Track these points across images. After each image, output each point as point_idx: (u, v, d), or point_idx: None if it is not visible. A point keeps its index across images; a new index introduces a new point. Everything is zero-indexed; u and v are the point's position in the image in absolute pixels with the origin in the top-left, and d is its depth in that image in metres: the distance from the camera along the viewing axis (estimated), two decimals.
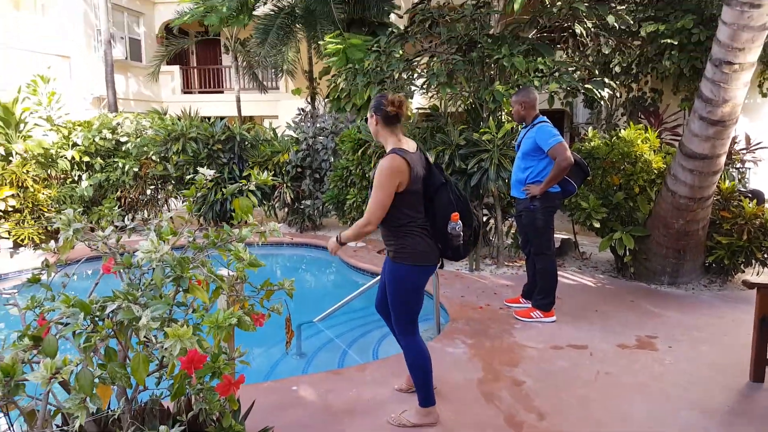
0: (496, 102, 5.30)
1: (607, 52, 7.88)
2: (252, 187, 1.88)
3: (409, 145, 2.78)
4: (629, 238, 5.62)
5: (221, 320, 1.30)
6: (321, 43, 8.57)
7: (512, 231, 6.78)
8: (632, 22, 6.17)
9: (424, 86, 5.65)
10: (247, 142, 8.35)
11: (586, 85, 5.27)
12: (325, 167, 8.13)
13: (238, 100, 14.01)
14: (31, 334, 1.24)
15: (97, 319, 1.27)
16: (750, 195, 6.15)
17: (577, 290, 5.57)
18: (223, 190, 1.96)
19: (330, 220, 8.98)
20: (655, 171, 5.84)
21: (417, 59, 5.85)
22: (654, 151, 5.91)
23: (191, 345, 1.19)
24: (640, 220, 5.85)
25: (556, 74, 5.10)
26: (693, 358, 3.89)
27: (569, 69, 5.26)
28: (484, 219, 6.67)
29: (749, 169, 8.08)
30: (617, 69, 7.88)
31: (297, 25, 10.41)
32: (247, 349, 1.74)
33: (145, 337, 1.24)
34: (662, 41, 7.41)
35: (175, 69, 16.61)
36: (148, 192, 8.49)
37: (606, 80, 5.74)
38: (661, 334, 4.35)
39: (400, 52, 5.60)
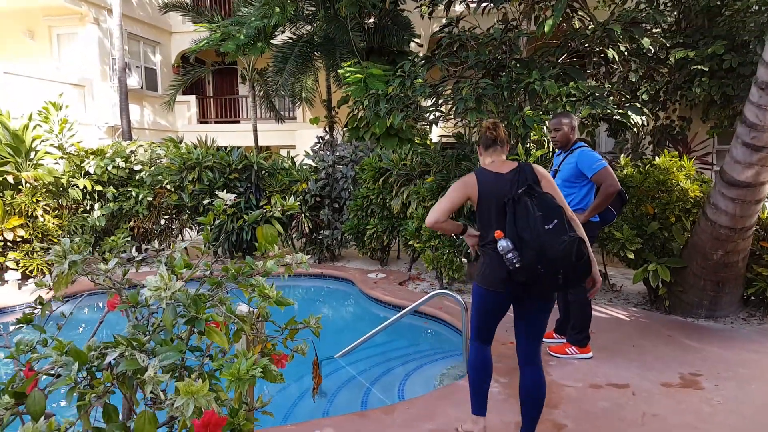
0: (526, 127, 5.11)
1: (634, 80, 7.71)
2: (277, 214, 1.68)
3: (502, 166, 2.82)
4: (665, 269, 5.33)
5: (243, 372, 1.09)
6: (341, 72, 8.52)
7: None
8: (668, 45, 6.00)
9: (451, 112, 5.49)
10: (264, 171, 8.23)
11: (621, 111, 5.06)
12: (345, 196, 7.97)
13: (255, 130, 14.03)
14: (13, 389, 1.03)
15: (95, 369, 1.06)
16: None
17: (610, 324, 5.26)
18: (244, 216, 1.76)
19: (349, 251, 8.78)
20: (692, 200, 5.57)
21: (442, 85, 5.70)
22: (690, 179, 5.64)
23: (207, 404, 0.98)
24: (675, 250, 5.56)
25: (590, 98, 4.90)
26: (742, 398, 3.58)
27: (604, 94, 5.06)
28: None
29: None
30: (645, 97, 7.67)
31: (316, 54, 10.41)
32: (270, 398, 1.51)
33: (152, 392, 1.03)
34: (692, 68, 7.22)
35: (191, 98, 16.75)
36: (162, 222, 8.36)
37: (640, 105, 5.53)
38: (704, 372, 4.04)
39: (426, 77, 5.46)
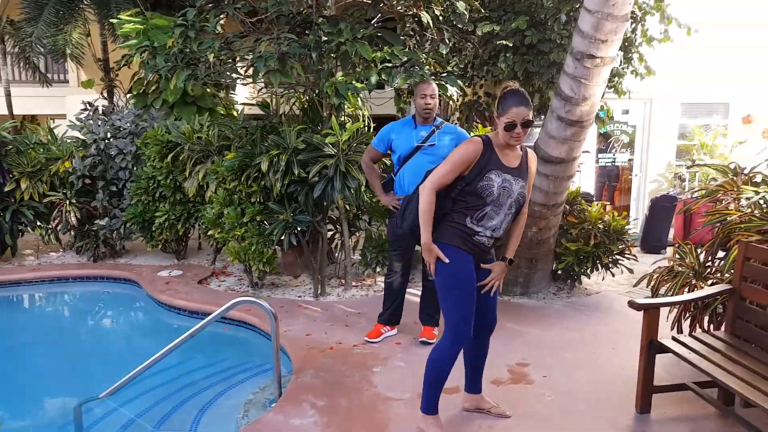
0: (340, 96, 4.43)
1: (444, 53, 7.51)
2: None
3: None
4: None
5: None
6: (115, 22, 6.92)
7: (359, 247, 5.98)
8: (483, 11, 5.78)
9: (249, 73, 4.55)
10: (10, 146, 6.36)
11: (437, 81, 4.64)
12: (124, 177, 6.52)
13: (8, 95, 11.24)
14: None
15: None
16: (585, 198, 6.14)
17: None
18: None
19: (136, 244, 7.32)
20: None
21: (240, 40, 4.71)
22: None
23: None
24: None
25: (407, 66, 4.38)
26: (572, 389, 3.42)
27: (420, 62, 4.58)
28: (329, 234, 5.76)
29: (577, 172, 8.32)
30: (455, 71, 7.53)
31: (84, 1, 8.45)
32: None
33: None
34: (497, 43, 7.22)
35: None
36: None
37: (454, 76, 5.20)
38: (531, 360, 3.86)
39: (219, 28, 4.42)
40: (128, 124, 6.68)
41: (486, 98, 8.26)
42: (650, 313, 3.01)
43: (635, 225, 7.98)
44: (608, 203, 9.00)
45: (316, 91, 4.61)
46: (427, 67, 4.86)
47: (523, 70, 7.28)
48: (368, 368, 3.70)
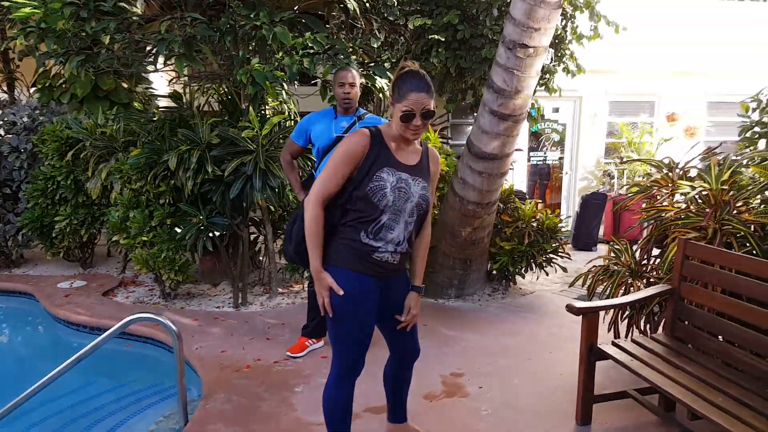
0: (256, 85, 4.01)
1: (376, 46, 7.24)
2: None
3: None
4: None
5: None
6: (7, 4, 6.15)
7: None
8: (414, 3, 5.51)
9: (152, 57, 4.06)
10: None
11: (365, 72, 4.33)
12: (19, 178, 5.81)
13: None
14: None
15: None
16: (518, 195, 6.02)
17: None
18: None
19: (36, 252, 6.56)
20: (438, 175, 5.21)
21: (147, 23, 4.21)
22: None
23: None
24: None
25: (331, 54, 4.03)
26: (509, 401, 3.19)
27: (347, 50, 4.24)
28: (252, 238, 5.32)
29: (510, 170, 8.25)
30: (386, 65, 7.25)
31: None
32: None
33: None
34: (429, 37, 7.01)
35: None
36: None
37: (383, 67, 4.91)
38: (466, 369, 3.62)
39: (134, 9, 3.88)
40: (24, 119, 5.95)
41: None
42: (589, 318, 2.81)
43: (567, 223, 8.00)
44: (540, 201, 9.07)
45: (231, 80, 4.18)
46: (355, 57, 4.52)
47: (456, 65, 7.11)
48: (289, 388, 3.32)
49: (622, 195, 7.71)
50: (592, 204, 7.29)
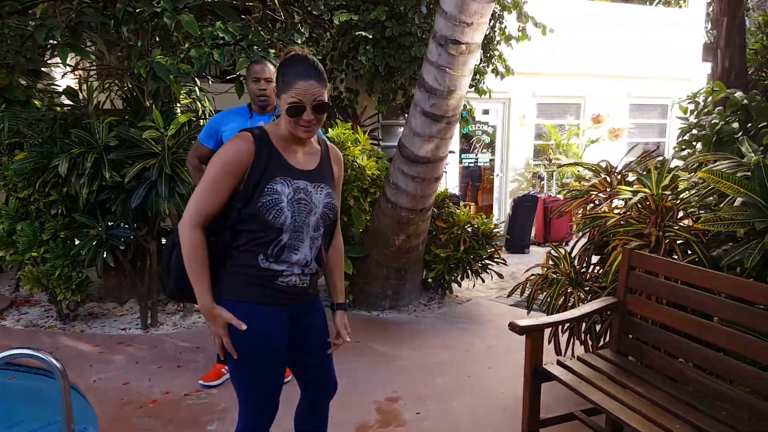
0: (157, 80, 3.53)
1: (299, 42, 6.84)
2: None
3: None
4: (347, 261, 4.57)
5: None
6: None
7: None
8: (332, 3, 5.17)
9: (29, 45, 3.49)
10: None
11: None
12: None
13: None
14: None
15: None
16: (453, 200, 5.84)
17: None
18: None
19: None
20: (369, 178, 4.91)
21: (26, 8, 3.62)
22: (366, 154, 4.98)
23: None
24: (355, 237, 4.87)
25: (244, 45, 3.62)
26: (449, 427, 2.92)
27: (264, 42, 3.84)
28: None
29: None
30: None
31: None
32: None
33: None
34: (356, 34, 6.69)
35: None
36: None
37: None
38: (402, 391, 3.34)
39: None
40: None
41: (348, 94, 7.71)
42: (533, 336, 2.58)
43: (501, 227, 7.94)
44: (473, 203, 8.98)
45: (128, 73, 3.68)
46: (273, 51, 4.12)
47: (385, 64, 6.83)
48: (201, 426, 2.89)
49: (552, 197, 7.73)
50: (523, 206, 7.24)
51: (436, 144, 3.97)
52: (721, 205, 2.46)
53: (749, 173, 2.35)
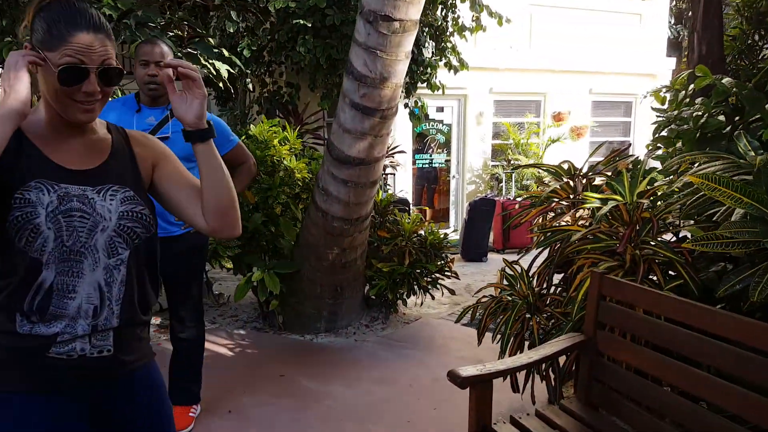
0: None
1: (232, 31, 6.15)
2: None
3: None
4: (274, 278, 3.92)
5: None
6: None
7: None
8: None
9: None
10: None
11: (191, 51, 3.25)
12: None
13: None
14: None
15: None
16: (399, 206, 5.25)
17: (211, 366, 3.55)
18: None
19: None
20: (299, 183, 4.27)
21: None
22: (296, 155, 4.33)
23: None
24: (285, 250, 4.21)
25: (131, 23, 2.92)
26: None
27: (160, 21, 3.15)
28: None
29: (392, 175, 7.49)
30: (246, 53, 6.18)
31: None
32: None
33: None
34: (294, 22, 6.03)
35: None
36: None
37: (224, 51, 3.86)
38: None
39: None
40: None
41: (288, 89, 7.03)
42: (480, 389, 1.98)
43: (456, 233, 7.40)
44: (428, 208, 8.42)
45: None
46: (177, 31, 3.42)
47: (327, 56, 6.19)
48: None
49: (511, 200, 7.23)
50: (480, 210, 6.69)
51: (370, 142, 3.34)
52: (715, 218, 1.92)
53: (750, 177, 1.81)
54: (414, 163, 8.27)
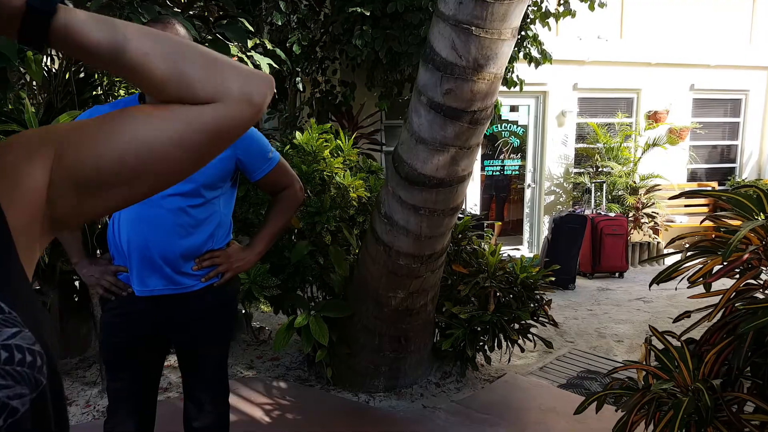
0: (2, 59, 2.19)
1: (280, 23, 5.42)
2: None
3: None
4: (322, 325, 3.10)
5: None
6: None
7: None
8: None
9: None
10: None
11: (211, 38, 2.45)
12: None
13: None
14: None
15: None
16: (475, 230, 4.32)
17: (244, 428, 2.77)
18: None
19: None
20: (354, 203, 3.41)
21: None
22: (350, 168, 3.48)
23: None
24: (335, 286, 3.37)
25: (138, 2, 2.14)
26: None
27: None
28: None
29: None
30: (296, 49, 5.41)
31: None
32: None
33: None
34: (350, 11, 5.23)
35: None
36: None
37: (267, 42, 3.05)
38: None
39: None
40: None
41: (342, 88, 6.22)
42: None
43: (528, 249, 6.37)
44: (498, 222, 7.42)
45: None
46: (198, 10, 2.63)
47: (387, 49, 5.36)
48: None
49: (603, 215, 6.12)
50: (567, 228, 5.65)
51: (453, 156, 2.41)
52: None
53: None
54: (483, 169, 7.30)
